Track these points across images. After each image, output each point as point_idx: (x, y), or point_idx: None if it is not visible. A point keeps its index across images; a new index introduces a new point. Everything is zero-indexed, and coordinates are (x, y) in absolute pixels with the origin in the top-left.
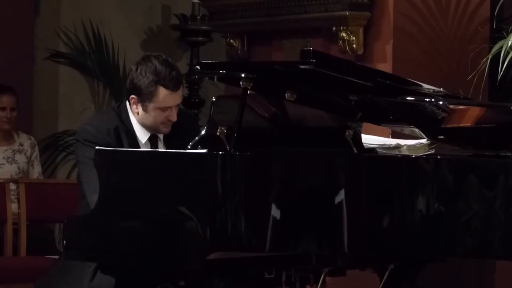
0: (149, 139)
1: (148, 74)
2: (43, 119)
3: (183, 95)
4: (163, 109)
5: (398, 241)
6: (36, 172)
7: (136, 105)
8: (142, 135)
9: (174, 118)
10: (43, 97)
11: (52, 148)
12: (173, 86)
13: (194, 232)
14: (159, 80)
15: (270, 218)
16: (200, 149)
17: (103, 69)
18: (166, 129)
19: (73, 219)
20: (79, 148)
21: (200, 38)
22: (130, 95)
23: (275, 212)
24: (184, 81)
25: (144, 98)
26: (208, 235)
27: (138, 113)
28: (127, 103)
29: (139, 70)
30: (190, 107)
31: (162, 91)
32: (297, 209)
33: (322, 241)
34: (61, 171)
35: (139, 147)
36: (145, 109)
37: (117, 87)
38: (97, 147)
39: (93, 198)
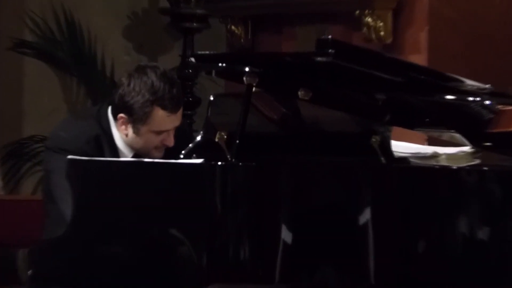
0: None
1: (143, 91)
2: (4, 122)
3: None
4: (159, 132)
5: (435, 271)
6: None
7: (126, 126)
8: (124, 153)
9: (170, 143)
10: (4, 95)
11: (15, 157)
12: (172, 107)
13: (188, 258)
14: (156, 100)
15: (279, 242)
16: (195, 158)
17: (77, 62)
18: (159, 154)
19: (41, 244)
20: (51, 157)
21: (195, 24)
22: (119, 112)
23: (286, 235)
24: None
25: (137, 119)
26: (205, 263)
27: (127, 135)
28: (110, 114)
29: (132, 85)
30: (183, 108)
31: (159, 113)
32: (312, 231)
33: (343, 272)
34: (26, 185)
35: None
36: (136, 132)
37: (94, 83)
38: (69, 156)
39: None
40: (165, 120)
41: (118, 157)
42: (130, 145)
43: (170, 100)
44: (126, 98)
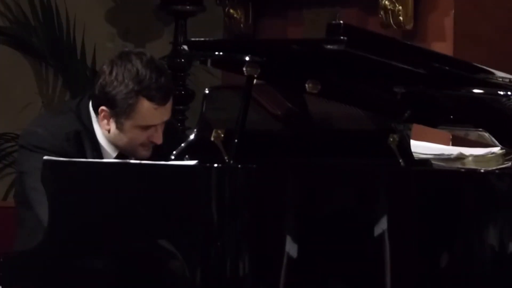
0: (117, 158)
1: (126, 81)
2: None
3: None
4: (145, 127)
5: (460, 285)
6: None
7: (108, 120)
8: (108, 151)
9: (159, 140)
10: None
11: None
12: (160, 98)
13: (180, 273)
14: (142, 90)
15: (284, 254)
16: (188, 159)
17: (53, 50)
18: (146, 153)
19: (12, 256)
20: (25, 156)
21: (188, 7)
22: (100, 105)
23: (291, 246)
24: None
25: (120, 113)
26: (199, 279)
27: (109, 131)
28: (91, 108)
29: (114, 74)
30: (174, 102)
31: (144, 105)
32: (321, 243)
33: (356, 284)
34: None
35: None
36: (119, 128)
37: (74, 74)
38: (45, 157)
39: None
40: (152, 113)
41: (101, 156)
42: (113, 142)
43: (157, 90)
44: (108, 89)
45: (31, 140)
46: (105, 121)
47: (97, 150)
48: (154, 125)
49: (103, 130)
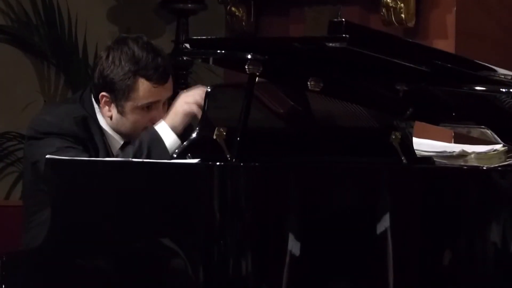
0: (123, 148)
1: (123, 63)
2: None
3: None
4: (145, 107)
5: (463, 284)
6: None
7: (109, 106)
8: (114, 141)
9: None
10: None
11: None
12: (158, 77)
13: (182, 273)
14: (139, 70)
15: (286, 254)
16: (190, 158)
17: (55, 48)
18: None
19: (16, 256)
20: (36, 146)
21: (190, 5)
22: (100, 92)
23: (294, 245)
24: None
25: (119, 95)
26: (202, 278)
27: (111, 117)
28: (92, 97)
29: (111, 58)
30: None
31: (143, 84)
32: (324, 243)
33: (359, 284)
34: None
35: (110, 149)
36: (120, 111)
37: (75, 72)
38: (48, 156)
39: None
40: (151, 93)
41: (107, 142)
42: (116, 129)
43: (154, 69)
44: (105, 73)
45: (40, 128)
46: (107, 107)
47: (103, 136)
48: (155, 105)
49: (106, 118)
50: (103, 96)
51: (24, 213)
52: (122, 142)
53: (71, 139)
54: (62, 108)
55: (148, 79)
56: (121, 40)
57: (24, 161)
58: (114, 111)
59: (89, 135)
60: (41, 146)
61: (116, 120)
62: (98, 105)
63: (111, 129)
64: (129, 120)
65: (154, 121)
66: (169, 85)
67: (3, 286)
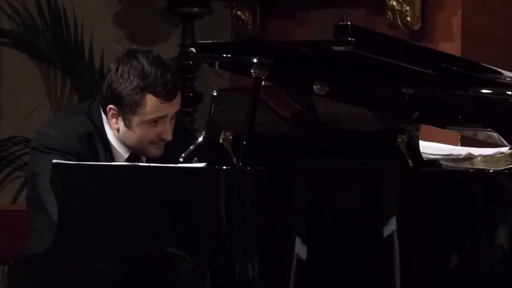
0: (128, 160)
1: (132, 78)
2: None
3: None
4: (152, 122)
5: (470, 286)
6: None
7: (116, 119)
8: (120, 152)
9: (168, 136)
10: None
11: None
12: (166, 94)
13: (189, 277)
14: (147, 86)
15: (293, 257)
16: (196, 162)
17: (61, 52)
18: (157, 151)
19: (22, 260)
20: (37, 158)
21: (195, 9)
22: (108, 104)
23: (301, 248)
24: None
25: (126, 109)
26: (208, 282)
27: (118, 130)
28: (101, 108)
29: (120, 71)
30: (182, 104)
31: (150, 100)
32: (331, 246)
33: (366, 286)
34: (5, 192)
35: None
36: (127, 125)
37: (82, 77)
38: (54, 161)
39: None
40: (159, 108)
41: (113, 157)
42: (123, 142)
43: (163, 86)
44: (114, 86)
45: (44, 141)
46: (114, 120)
47: (109, 152)
48: (162, 120)
49: (113, 130)
50: (110, 108)
51: (27, 216)
52: (127, 156)
53: (72, 158)
54: (68, 121)
55: (156, 95)
56: (131, 53)
57: (28, 167)
58: (121, 124)
59: (92, 152)
60: (43, 160)
61: (123, 133)
62: (106, 117)
63: (118, 141)
64: (136, 134)
65: (161, 135)
66: (177, 100)
67: None
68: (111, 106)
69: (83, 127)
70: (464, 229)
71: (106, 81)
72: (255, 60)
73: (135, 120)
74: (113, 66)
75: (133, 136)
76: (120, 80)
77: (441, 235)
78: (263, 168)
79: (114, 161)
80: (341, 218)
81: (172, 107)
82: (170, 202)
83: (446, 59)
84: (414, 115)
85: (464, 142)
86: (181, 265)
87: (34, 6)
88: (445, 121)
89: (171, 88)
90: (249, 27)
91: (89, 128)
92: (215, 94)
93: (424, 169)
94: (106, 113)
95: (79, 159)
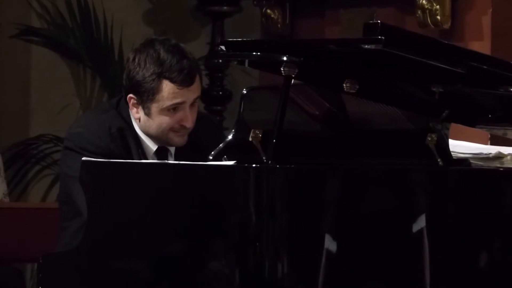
0: (157, 152)
1: (148, 65)
2: (9, 120)
3: (203, 86)
4: (172, 109)
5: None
6: None
7: (137, 108)
8: (149, 145)
9: (189, 122)
10: (9, 89)
11: (21, 160)
12: (182, 80)
13: (218, 275)
14: (163, 72)
15: (323, 255)
16: (226, 160)
17: (91, 51)
18: (180, 139)
19: (51, 258)
20: (72, 159)
21: (225, 8)
22: (128, 94)
23: (331, 246)
24: (203, 68)
25: (144, 97)
26: (237, 280)
27: (139, 119)
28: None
29: (137, 60)
30: (211, 102)
31: (167, 86)
32: (360, 245)
33: (396, 286)
34: (34, 191)
35: (147, 160)
36: (147, 113)
37: (111, 75)
38: (83, 158)
39: None
40: (176, 94)
41: (144, 151)
42: (145, 131)
43: (179, 71)
44: (132, 74)
45: (77, 142)
46: (134, 109)
47: (140, 147)
48: (181, 106)
49: (135, 120)
50: (130, 98)
51: (59, 216)
52: (155, 148)
53: (107, 158)
54: (99, 120)
55: (172, 81)
56: (148, 42)
57: (60, 166)
58: (141, 113)
59: (126, 150)
60: (76, 162)
61: (144, 122)
62: (129, 109)
63: (142, 133)
64: (156, 122)
65: (181, 122)
66: (195, 86)
67: None
68: (131, 95)
69: (114, 123)
70: (494, 228)
71: (125, 71)
72: (285, 58)
73: (154, 107)
74: (131, 56)
75: (153, 125)
76: (137, 69)
77: (471, 235)
78: (292, 166)
79: (145, 156)
80: (371, 217)
81: (191, 93)
82: (199, 200)
83: (476, 58)
84: (444, 114)
85: (494, 141)
86: (210, 263)
87: (64, 4)
88: (475, 119)
89: (187, 73)
90: (279, 25)
91: (119, 123)
92: (245, 92)
93: (454, 168)
94: (127, 103)
95: (113, 159)
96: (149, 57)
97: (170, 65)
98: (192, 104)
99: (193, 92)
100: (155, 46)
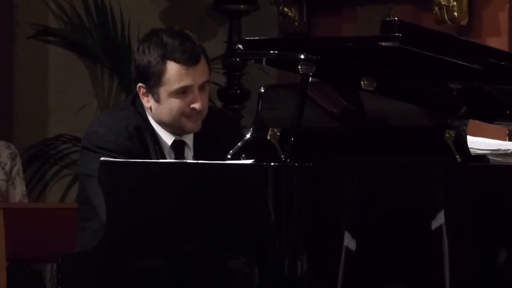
0: (173, 146)
1: (152, 51)
2: (27, 120)
3: (221, 85)
4: (180, 92)
5: None
6: (18, 193)
7: (146, 97)
8: (165, 139)
9: (199, 104)
10: (27, 90)
11: (40, 160)
12: (186, 59)
13: (237, 273)
14: (167, 54)
15: (342, 253)
16: (244, 159)
17: (108, 51)
18: (193, 125)
19: (71, 257)
20: (88, 158)
21: (242, 6)
22: (137, 83)
23: (350, 244)
24: (220, 67)
25: (152, 82)
26: (257, 279)
27: (151, 108)
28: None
29: (141, 48)
30: (229, 101)
31: (172, 67)
32: (379, 242)
33: (415, 283)
34: (52, 191)
35: (164, 156)
36: (156, 99)
37: (128, 74)
38: (102, 158)
39: None
40: (182, 76)
41: (161, 148)
42: (157, 120)
43: (182, 52)
44: (137, 63)
45: (94, 141)
46: (145, 98)
47: (158, 143)
48: (190, 89)
49: (147, 110)
50: (140, 87)
51: (78, 216)
52: (170, 142)
53: (123, 157)
54: (116, 118)
55: (176, 61)
56: (152, 31)
57: (79, 166)
58: (152, 101)
59: (143, 147)
60: (94, 160)
61: (155, 109)
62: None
63: (160, 128)
64: (166, 107)
65: (191, 104)
66: (201, 68)
67: None
68: (139, 84)
69: (131, 121)
70: None
71: (132, 64)
72: (302, 56)
73: (162, 91)
74: (135, 47)
75: (164, 110)
76: (142, 56)
77: (490, 231)
78: (311, 164)
79: (162, 153)
80: (389, 214)
81: (197, 75)
82: (218, 199)
83: (493, 54)
84: (462, 111)
85: None
86: (229, 262)
87: (81, 5)
88: (493, 116)
89: (191, 53)
90: (296, 24)
91: (137, 121)
92: (262, 91)
93: (472, 165)
94: (139, 94)
95: (129, 157)
96: (153, 43)
97: (173, 46)
98: (202, 89)
99: (199, 74)
100: (158, 34)
